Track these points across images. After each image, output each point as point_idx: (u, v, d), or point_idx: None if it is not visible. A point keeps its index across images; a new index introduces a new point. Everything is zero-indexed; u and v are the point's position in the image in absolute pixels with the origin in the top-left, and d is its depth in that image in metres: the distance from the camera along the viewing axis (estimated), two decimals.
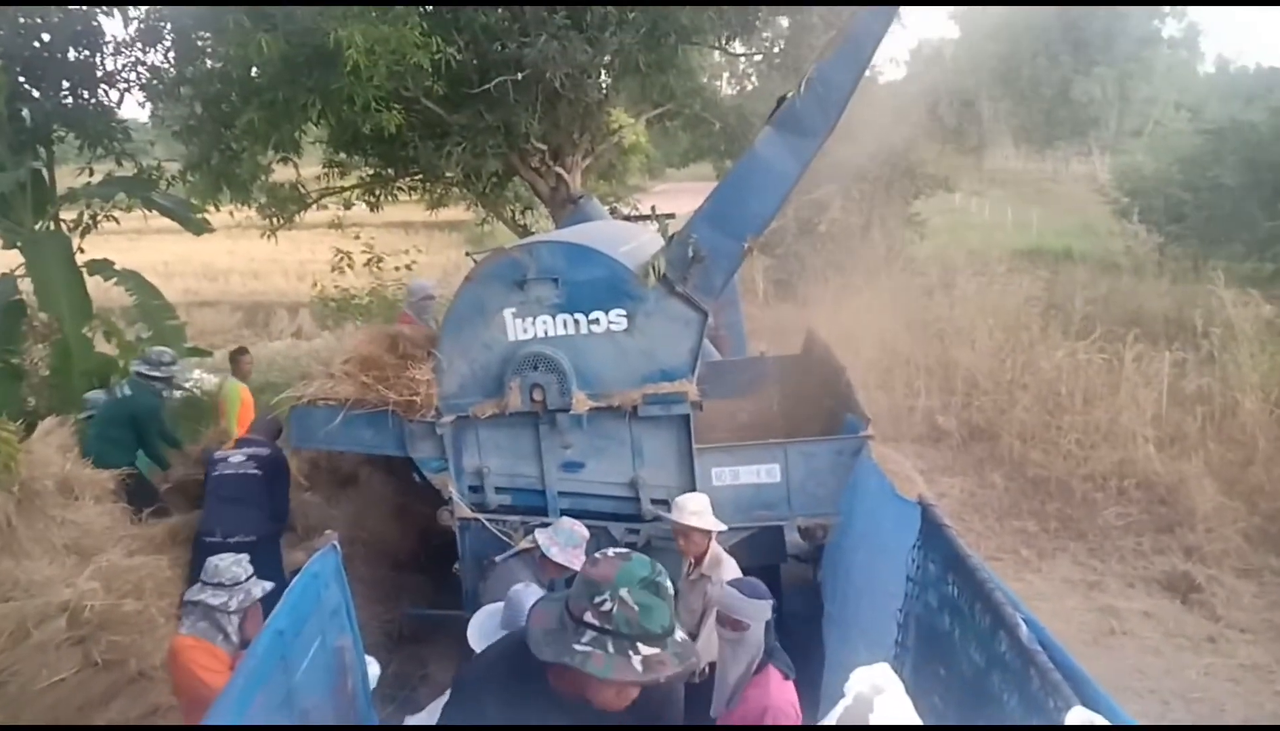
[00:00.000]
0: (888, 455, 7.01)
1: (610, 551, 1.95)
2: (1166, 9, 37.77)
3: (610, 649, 1.81)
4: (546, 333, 4.54)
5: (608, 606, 1.83)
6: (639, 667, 1.79)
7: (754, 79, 15.10)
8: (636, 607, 1.82)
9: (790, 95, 4.46)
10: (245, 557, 3.44)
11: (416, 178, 11.77)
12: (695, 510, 3.96)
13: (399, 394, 4.57)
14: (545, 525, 4.05)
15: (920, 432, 9.36)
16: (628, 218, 9.08)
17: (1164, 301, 12.26)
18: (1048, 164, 31.10)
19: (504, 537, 4.61)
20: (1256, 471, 7.70)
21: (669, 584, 1.92)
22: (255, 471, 5.13)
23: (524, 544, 3.98)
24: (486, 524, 4.71)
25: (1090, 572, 6.86)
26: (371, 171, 11.79)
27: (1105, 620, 6.15)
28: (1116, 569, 6.87)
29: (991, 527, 7.50)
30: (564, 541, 3.77)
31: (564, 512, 4.59)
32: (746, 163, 4.61)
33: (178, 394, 7.09)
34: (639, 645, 1.81)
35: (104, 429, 5.96)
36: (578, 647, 1.81)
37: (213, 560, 3.41)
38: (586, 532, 3.89)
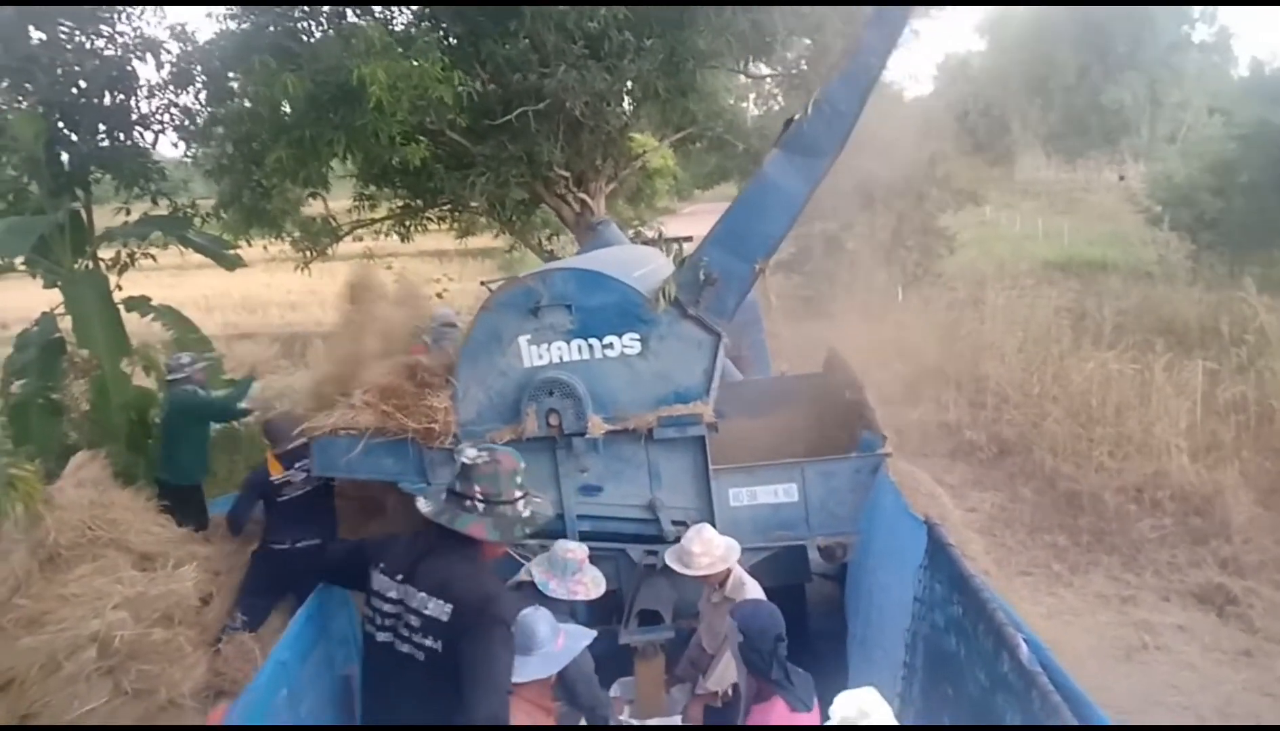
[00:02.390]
0: (915, 471, 6.99)
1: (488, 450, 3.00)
2: (1195, 12, 37.40)
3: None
4: (561, 358, 4.59)
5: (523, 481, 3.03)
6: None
7: (780, 98, 15.18)
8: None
9: (797, 117, 4.49)
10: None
11: (445, 208, 11.99)
12: (701, 553, 3.98)
13: (418, 422, 4.64)
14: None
15: (950, 447, 9.28)
16: (648, 241, 9.14)
17: (1197, 309, 12.06)
18: (1080, 173, 30.75)
19: (523, 562, 4.65)
20: None
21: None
22: (316, 482, 5.30)
23: (521, 577, 3.98)
24: (509, 549, 4.75)
25: (1124, 587, 6.75)
26: (401, 203, 12.02)
27: (1139, 635, 6.05)
28: (1151, 582, 6.76)
29: (1023, 542, 7.41)
30: (561, 571, 3.75)
31: (583, 536, 4.62)
32: (756, 185, 4.64)
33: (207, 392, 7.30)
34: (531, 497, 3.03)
35: (167, 444, 6.28)
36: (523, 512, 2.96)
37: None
38: (584, 552, 3.90)
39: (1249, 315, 9.89)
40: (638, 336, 4.55)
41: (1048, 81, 33.07)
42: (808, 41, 11.71)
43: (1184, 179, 18.26)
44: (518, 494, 3.01)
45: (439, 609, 2.79)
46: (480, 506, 2.93)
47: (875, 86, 4.61)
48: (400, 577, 2.90)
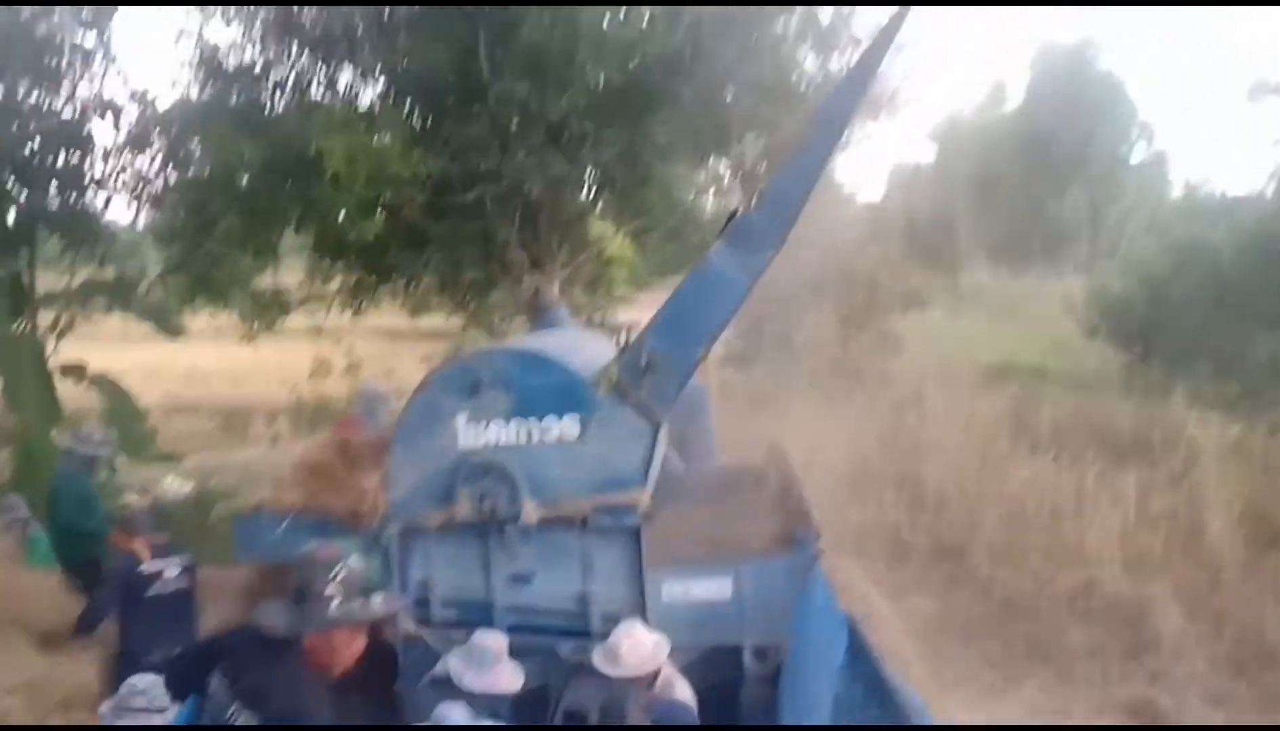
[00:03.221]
0: (850, 570, 6.95)
1: (314, 543, 2.92)
2: (1134, 133, 39.60)
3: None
4: (498, 440, 4.52)
5: (342, 574, 2.75)
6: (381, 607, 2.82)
7: (738, 194, 15.58)
8: (364, 569, 2.87)
9: (741, 209, 4.58)
10: None
11: (399, 284, 11.98)
12: (630, 651, 3.92)
13: (345, 502, 4.52)
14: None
15: (889, 548, 9.27)
16: (596, 326, 9.20)
17: (1131, 420, 12.38)
18: (1023, 282, 31.92)
19: (439, 651, 4.49)
20: (1223, 595, 7.66)
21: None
22: (188, 584, 4.94)
23: (437, 671, 3.85)
24: (430, 641, 4.59)
25: (1057, 700, 6.72)
26: (354, 278, 11.99)
27: None
28: (1084, 695, 6.74)
29: (957, 650, 7.37)
30: (478, 663, 3.65)
31: (511, 628, 4.48)
32: (699, 274, 4.69)
33: (105, 474, 6.89)
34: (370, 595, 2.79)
35: (54, 518, 5.87)
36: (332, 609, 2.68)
37: None
38: (502, 642, 3.79)
39: (1180, 428, 10.16)
40: (577, 419, 4.51)
41: (992, 193, 34.56)
42: (764, 141, 12.08)
43: (1120, 292, 18.97)
44: (329, 589, 2.87)
45: (250, 720, 2.66)
46: (290, 598, 2.84)
47: (819, 183, 4.74)
48: (231, 680, 2.79)
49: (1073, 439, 10.62)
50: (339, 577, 2.76)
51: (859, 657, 2.96)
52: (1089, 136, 36.49)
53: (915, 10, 4.71)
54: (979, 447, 10.24)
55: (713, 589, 4.66)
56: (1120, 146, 39.01)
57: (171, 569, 4.98)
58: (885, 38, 5.03)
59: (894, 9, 4.63)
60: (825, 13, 11.27)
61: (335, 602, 2.81)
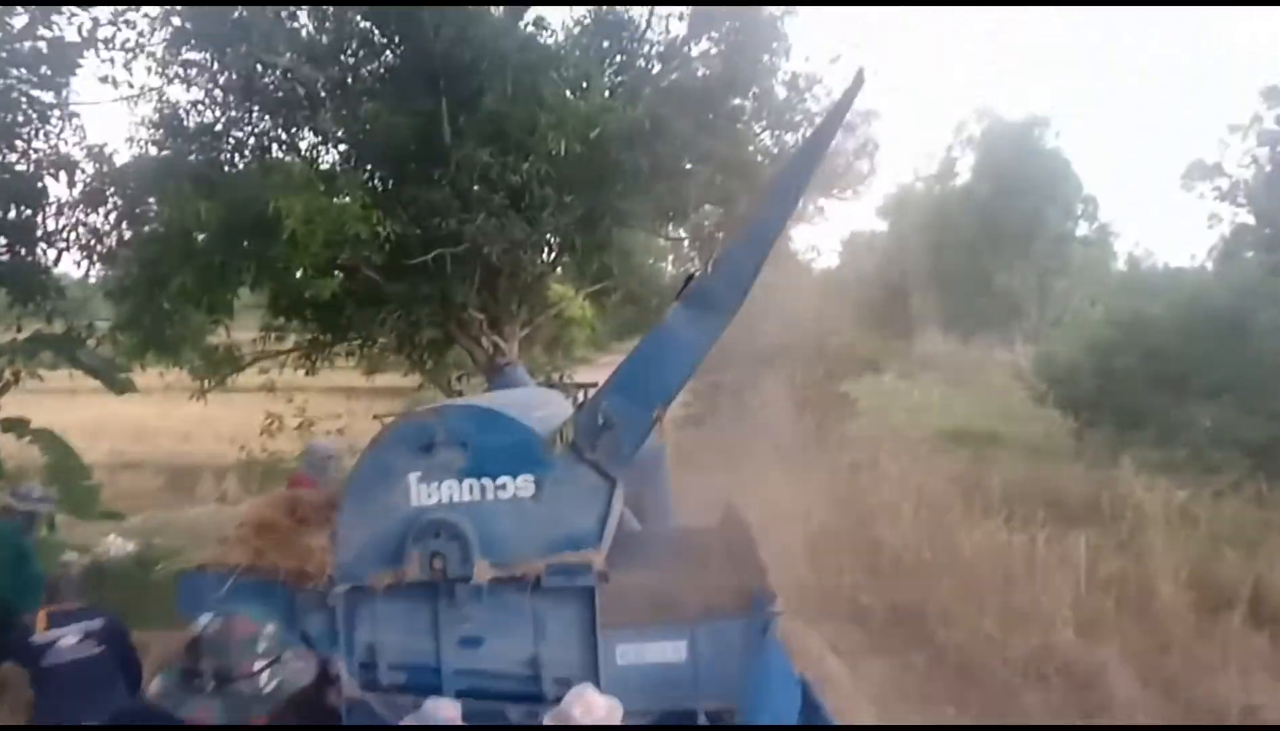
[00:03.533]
0: (805, 634, 6.92)
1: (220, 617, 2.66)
2: (1079, 209, 41.12)
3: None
4: (452, 498, 4.48)
5: (266, 646, 2.60)
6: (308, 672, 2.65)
7: (695, 261, 15.82)
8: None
9: (697, 273, 4.67)
10: None
11: (354, 343, 11.89)
12: (582, 716, 3.83)
13: (291, 561, 4.42)
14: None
15: (846, 611, 9.25)
16: (552, 385, 9.19)
17: (1080, 485, 12.60)
18: (974, 351, 32.71)
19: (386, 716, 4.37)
20: (1173, 659, 7.73)
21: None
22: (98, 649, 4.73)
23: None
24: (376, 706, 4.46)
25: None
26: (309, 336, 11.88)
27: None
28: None
29: (912, 714, 7.32)
30: None
31: (460, 693, 4.38)
32: (657, 335, 4.75)
33: (45, 532, 6.62)
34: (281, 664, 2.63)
35: None
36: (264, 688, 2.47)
37: None
38: (455, 709, 3.70)
39: (1128, 494, 10.34)
40: (532, 478, 4.49)
41: (944, 264, 35.53)
42: (721, 210, 12.32)
43: (1067, 360, 19.46)
44: (258, 665, 2.69)
45: None
46: (210, 685, 2.62)
47: (775, 250, 4.85)
48: None
49: (1024, 503, 10.77)
50: (263, 650, 2.45)
51: (813, 720, 2.93)
52: (1036, 211, 37.82)
53: (868, 85, 4.91)
54: (933, 511, 10.33)
55: (667, 651, 4.62)
56: (1066, 221, 40.45)
57: (69, 638, 4.69)
58: (837, 113, 5.23)
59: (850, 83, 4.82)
60: (780, 90, 11.66)
61: (266, 680, 2.58)
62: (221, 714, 2.59)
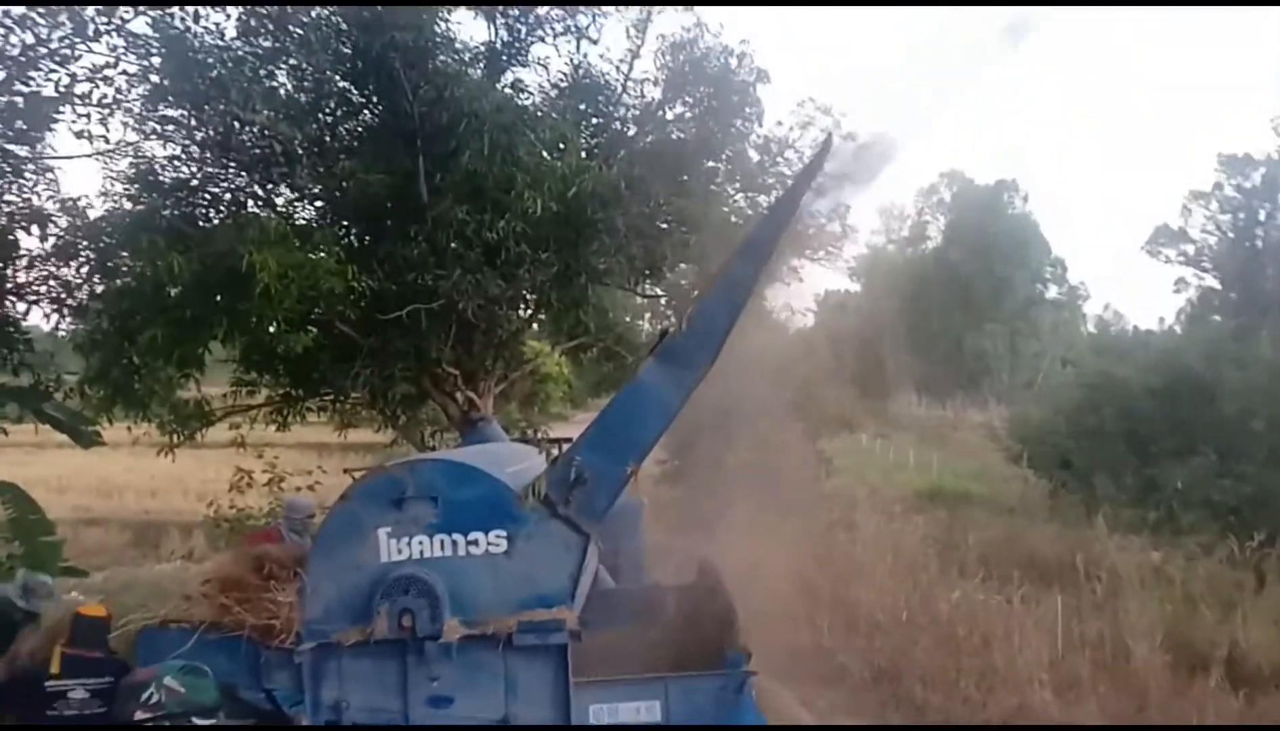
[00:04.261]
0: (780, 693, 6.81)
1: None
2: (1047, 273, 41.98)
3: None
4: (422, 553, 4.41)
5: (155, 698, 2.16)
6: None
7: (672, 319, 15.89)
8: (183, 689, 2.30)
9: (671, 330, 4.70)
10: None
11: (326, 397, 11.79)
12: None
13: (257, 617, 4.32)
14: None
15: (823, 671, 9.14)
16: (526, 441, 9.14)
17: (1055, 545, 12.63)
18: (948, 411, 33.03)
19: None
20: (1149, 717, 7.68)
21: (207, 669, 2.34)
22: (100, 709, 4.51)
23: None
24: None
25: None
26: (281, 391, 11.76)
27: None
28: None
29: None
30: None
31: None
32: (630, 391, 4.77)
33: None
34: (194, 718, 2.16)
35: None
36: None
37: None
38: None
39: (1102, 554, 10.37)
40: (504, 534, 4.44)
41: (916, 325, 36.03)
42: (697, 269, 12.43)
43: (1040, 421, 19.67)
44: (138, 715, 2.73)
45: None
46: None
47: (750, 308, 4.90)
48: None
49: (1000, 563, 10.76)
50: (150, 701, 2.43)
51: None
52: (1005, 274, 38.59)
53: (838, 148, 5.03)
54: (910, 570, 10.30)
55: (641, 710, 4.54)
56: (1035, 284, 41.27)
57: (81, 691, 4.32)
58: (806, 175, 5.34)
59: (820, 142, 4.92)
60: (753, 153, 11.89)
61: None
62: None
